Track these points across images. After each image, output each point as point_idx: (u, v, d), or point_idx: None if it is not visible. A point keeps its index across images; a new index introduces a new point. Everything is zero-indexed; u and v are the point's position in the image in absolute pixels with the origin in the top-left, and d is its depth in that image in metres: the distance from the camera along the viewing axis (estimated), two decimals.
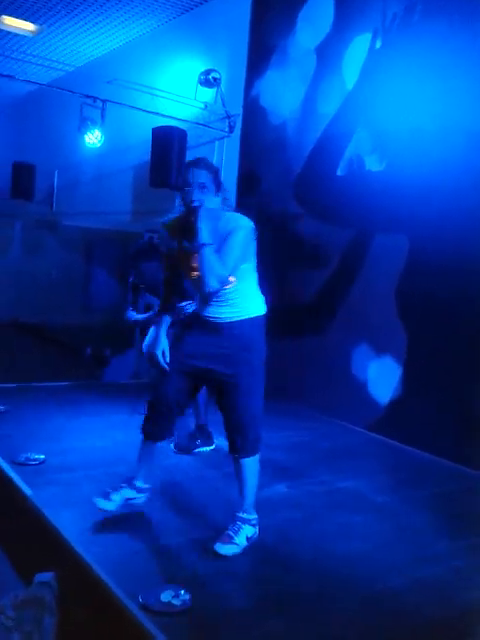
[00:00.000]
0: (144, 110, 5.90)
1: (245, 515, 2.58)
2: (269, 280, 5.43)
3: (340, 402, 4.93)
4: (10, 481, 2.96)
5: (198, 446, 3.85)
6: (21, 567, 2.72)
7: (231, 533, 2.50)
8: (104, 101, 5.61)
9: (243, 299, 2.57)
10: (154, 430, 2.68)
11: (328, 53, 5.08)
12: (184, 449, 3.78)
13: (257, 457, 2.61)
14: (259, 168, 5.72)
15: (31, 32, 7.84)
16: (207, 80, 6.00)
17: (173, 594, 2.04)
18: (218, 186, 2.55)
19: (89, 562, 2.24)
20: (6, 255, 10.69)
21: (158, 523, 2.72)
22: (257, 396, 2.57)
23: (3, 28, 7.73)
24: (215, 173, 2.57)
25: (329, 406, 4.95)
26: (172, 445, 3.71)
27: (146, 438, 2.72)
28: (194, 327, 2.65)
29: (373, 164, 4.67)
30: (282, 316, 5.40)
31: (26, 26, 7.66)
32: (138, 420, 2.77)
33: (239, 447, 2.57)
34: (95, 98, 5.58)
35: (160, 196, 6.93)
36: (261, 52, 5.78)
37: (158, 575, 2.23)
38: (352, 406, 4.78)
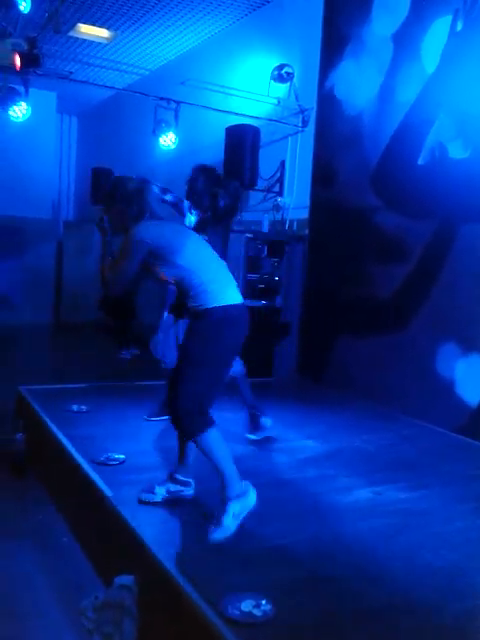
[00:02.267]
0: (217, 109, 5.88)
1: (225, 492, 2.52)
2: (346, 274, 5.36)
3: (423, 402, 4.72)
4: (91, 481, 2.97)
5: (263, 421, 3.85)
6: (102, 568, 2.73)
7: (217, 517, 2.47)
8: (178, 102, 5.63)
9: (197, 292, 2.62)
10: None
11: (406, 39, 4.87)
12: (257, 430, 3.81)
13: (207, 435, 2.56)
14: (334, 161, 5.58)
15: (106, 39, 8.02)
16: (280, 75, 5.91)
17: (254, 603, 1.96)
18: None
19: (168, 567, 2.20)
20: (88, 259, 11.03)
21: (239, 527, 2.64)
22: (185, 382, 2.57)
23: (80, 36, 7.94)
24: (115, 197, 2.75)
25: (411, 406, 4.74)
26: (247, 435, 3.75)
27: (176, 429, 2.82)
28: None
29: (457, 151, 4.44)
30: (360, 312, 5.26)
31: (101, 33, 7.84)
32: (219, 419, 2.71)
33: (178, 431, 2.71)
34: (169, 100, 5.61)
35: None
36: (335, 43, 5.63)
37: (240, 582, 2.15)
38: (437, 407, 4.56)
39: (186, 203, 3.83)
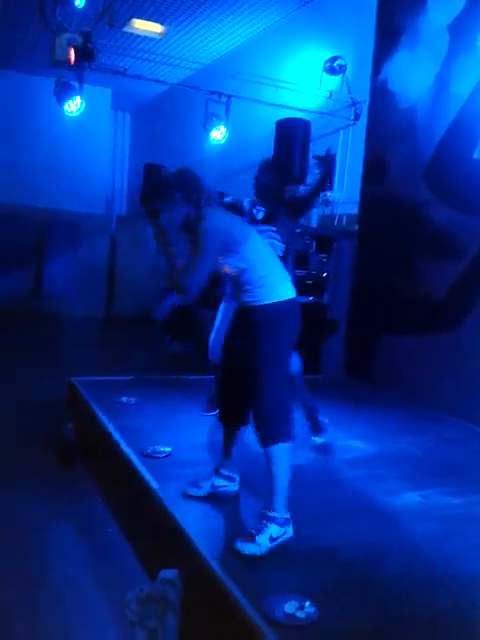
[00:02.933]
0: (267, 103, 5.83)
1: (270, 513, 2.40)
2: (397, 271, 5.24)
3: (474, 405, 4.57)
4: (137, 473, 3.00)
5: (323, 421, 3.75)
6: (146, 561, 2.76)
7: (254, 531, 2.34)
8: (228, 96, 5.61)
9: (253, 288, 2.55)
10: (225, 417, 2.82)
11: (463, 29, 4.72)
12: (319, 431, 3.70)
13: (283, 446, 2.44)
14: (386, 155, 5.46)
15: (159, 34, 8.07)
16: (332, 68, 5.83)
17: (298, 605, 1.94)
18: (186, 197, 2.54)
19: (211, 563, 2.19)
20: (140, 253, 11.18)
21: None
22: (267, 381, 2.47)
23: (133, 31, 8.01)
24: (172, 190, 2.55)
25: (461, 408, 4.60)
26: (311, 438, 3.65)
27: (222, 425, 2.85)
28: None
29: None
30: (410, 311, 5.15)
31: (154, 28, 7.89)
32: None
33: (258, 434, 2.50)
34: (220, 94, 5.59)
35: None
36: (389, 34, 5.50)
37: (284, 583, 2.13)
38: None
39: (246, 202, 3.84)
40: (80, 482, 3.74)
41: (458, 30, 4.74)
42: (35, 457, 4.09)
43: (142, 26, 7.84)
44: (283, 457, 2.45)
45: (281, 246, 3.67)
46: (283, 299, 2.56)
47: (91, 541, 3.17)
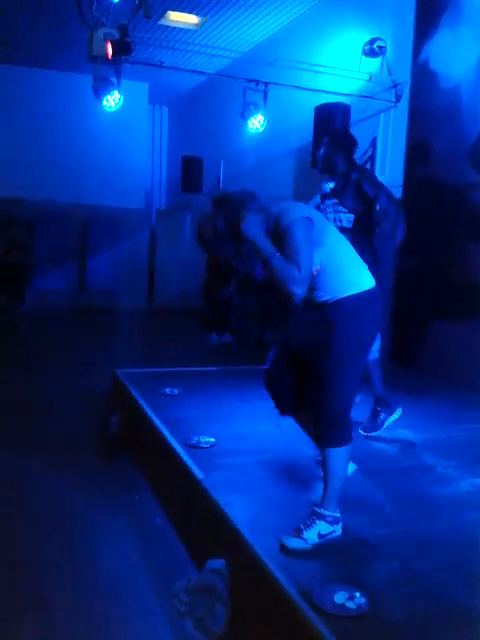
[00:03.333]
0: (305, 88, 5.74)
1: (320, 510, 2.35)
2: (442, 255, 5.11)
3: None
4: (183, 464, 3.01)
5: (383, 419, 3.67)
6: (194, 551, 2.76)
7: (302, 526, 2.30)
8: (266, 83, 5.54)
9: (327, 281, 2.36)
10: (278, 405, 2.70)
11: None
12: (372, 428, 3.65)
13: (341, 450, 2.37)
14: (430, 137, 5.32)
15: (195, 25, 8.03)
16: (372, 50, 5.69)
17: (348, 596, 1.90)
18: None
19: (260, 553, 2.18)
20: (179, 246, 11.25)
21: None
22: (336, 383, 2.33)
23: (169, 24, 8.00)
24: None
25: None
26: (360, 429, 3.59)
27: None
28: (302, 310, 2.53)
29: None
30: (457, 296, 5.01)
31: (190, 19, 7.85)
32: None
33: (316, 434, 2.45)
34: (257, 81, 5.53)
35: (322, 178, 6.75)
36: (430, 12, 5.35)
37: (333, 573, 2.10)
38: None
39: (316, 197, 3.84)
40: (127, 474, 3.78)
41: None
42: (84, 450, 4.15)
43: (178, 18, 7.82)
44: (340, 458, 2.39)
45: (349, 217, 3.66)
46: (361, 290, 2.37)
47: (140, 531, 3.18)
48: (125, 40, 4.20)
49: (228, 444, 3.33)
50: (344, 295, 2.35)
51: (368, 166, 6.18)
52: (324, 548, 2.27)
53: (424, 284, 5.39)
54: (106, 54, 4.17)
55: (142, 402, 3.93)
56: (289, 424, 2.79)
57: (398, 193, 5.75)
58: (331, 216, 3.79)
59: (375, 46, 5.66)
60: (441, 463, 3.23)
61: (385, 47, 5.73)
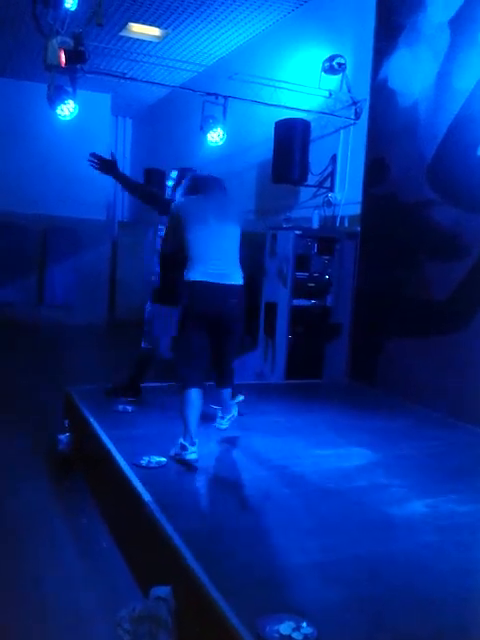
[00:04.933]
0: (265, 103, 5.73)
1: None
2: (400, 272, 5.12)
3: None
4: (130, 485, 2.89)
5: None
6: (140, 576, 2.65)
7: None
8: (226, 97, 5.51)
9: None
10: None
11: (464, 24, 4.60)
12: None
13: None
14: (388, 154, 5.35)
15: (157, 37, 7.99)
16: (331, 67, 5.73)
17: (294, 626, 1.82)
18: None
19: (203, 580, 2.08)
20: (142, 257, 11.10)
21: (278, 538, 2.50)
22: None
23: (131, 35, 7.94)
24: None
25: (470, 413, 4.47)
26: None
27: None
28: None
29: None
30: (416, 313, 5.03)
31: (152, 31, 7.81)
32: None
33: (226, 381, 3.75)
34: (217, 95, 5.50)
35: (283, 192, 6.75)
36: (389, 32, 5.40)
37: (277, 601, 2.01)
38: None
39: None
40: (77, 494, 3.64)
41: (459, 25, 4.63)
42: (34, 468, 4.00)
43: (139, 30, 7.77)
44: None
45: None
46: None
47: (86, 554, 3.07)
48: (79, 48, 4.11)
49: (179, 465, 3.22)
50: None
51: (328, 183, 6.21)
52: (273, 574, 2.18)
53: (383, 300, 5.40)
54: (60, 62, 4.08)
55: (91, 419, 3.80)
56: None
57: (357, 210, 5.78)
58: None
59: (334, 63, 5.70)
60: (395, 483, 3.18)
61: (345, 64, 5.77)
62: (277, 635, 1.78)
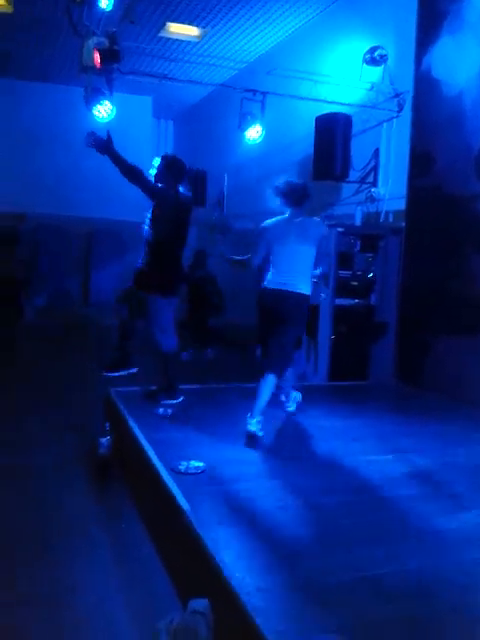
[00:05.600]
0: (305, 98, 5.61)
1: None
2: (447, 267, 4.93)
3: None
4: (169, 492, 2.83)
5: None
6: (180, 586, 2.58)
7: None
8: (264, 93, 5.41)
9: None
10: None
11: None
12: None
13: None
14: (433, 146, 5.16)
15: (196, 37, 7.95)
16: (373, 58, 5.56)
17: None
18: None
19: (241, 596, 1.99)
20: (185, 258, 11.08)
21: (322, 549, 2.39)
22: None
23: (170, 36, 7.91)
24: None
25: None
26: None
27: None
28: None
29: None
30: (464, 310, 4.82)
31: (191, 31, 7.77)
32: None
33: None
34: (255, 91, 5.40)
35: (325, 189, 6.60)
36: (432, 20, 5.21)
37: (321, 619, 1.90)
38: None
39: None
40: (116, 498, 3.61)
41: None
42: (75, 471, 3.99)
43: (178, 30, 7.74)
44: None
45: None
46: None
47: (124, 561, 3.02)
48: (113, 48, 4.08)
49: (218, 470, 3.15)
50: None
51: (370, 178, 6.04)
52: (315, 588, 2.08)
53: (429, 298, 5.21)
54: (95, 63, 4.06)
55: (131, 422, 3.76)
56: None
57: (401, 205, 5.59)
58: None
59: (376, 55, 5.53)
60: (445, 492, 3.03)
61: (386, 55, 5.59)
62: None
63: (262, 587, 2.07)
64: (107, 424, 4.13)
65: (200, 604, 2.27)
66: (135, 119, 11.25)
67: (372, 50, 5.60)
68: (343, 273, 5.59)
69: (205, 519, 2.54)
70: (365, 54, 5.67)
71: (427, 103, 5.23)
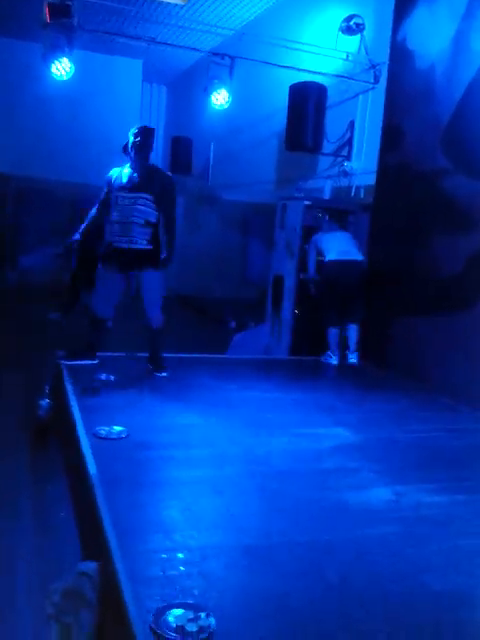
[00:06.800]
0: (277, 65, 5.46)
1: None
2: (411, 247, 4.83)
3: None
4: (82, 455, 2.80)
5: None
6: (84, 550, 2.55)
7: None
8: (232, 57, 5.26)
9: None
10: None
11: None
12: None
13: None
14: (404, 120, 5.02)
15: (181, 0, 7.72)
16: (349, 27, 5.40)
17: (191, 617, 1.68)
18: None
19: (115, 560, 1.96)
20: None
21: (215, 519, 2.36)
22: None
23: None
24: None
25: (474, 397, 4.21)
26: None
27: None
28: None
29: None
30: (424, 289, 4.75)
31: None
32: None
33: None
34: (223, 55, 5.25)
35: (304, 162, 6.48)
36: None
37: (185, 590, 1.86)
38: None
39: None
40: (50, 462, 3.58)
41: None
42: (14, 434, 3.96)
43: None
44: None
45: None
46: None
47: (44, 526, 3.00)
48: (65, 3, 3.94)
49: (142, 436, 3.11)
50: None
51: (345, 151, 5.92)
52: (193, 558, 2.04)
53: (393, 278, 5.12)
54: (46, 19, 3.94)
55: (68, 385, 3.73)
56: None
57: (371, 179, 5.48)
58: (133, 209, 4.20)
59: (352, 23, 5.37)
60: (367, 466, 2.99)
61: (363, 24, 5.43)
62: (166, 626, 1.65)
63: (139, 554, 2.04)
64: (47, 386, 4.09)
65: (88, 566, 2.25)
66: (124, 82, 11.05)
67: (348, 18, 5.44)
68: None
69: (111, 482, 2.50)
70: (342, 22, 5.50)
71: (401, 75, 5.09)
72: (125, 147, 4.38)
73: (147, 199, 4.18)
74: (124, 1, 7.87)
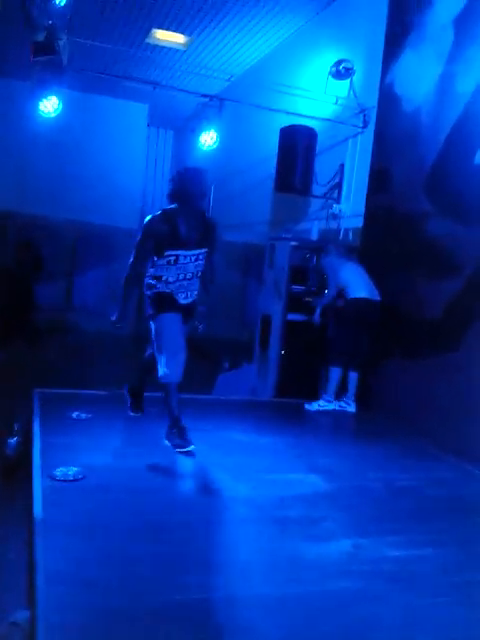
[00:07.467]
0: (267, 108, 5.51)
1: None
2: (396, 289, 4.76)
3: (475, 440, 4.03)
4: (32, 497, 2.69)
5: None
6: (28, 594, 2.43)
7: None
8: (221, 99, 5.32)
9: None
10: None
11: (467, 23, 4.27)
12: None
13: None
14: (391, 163, 5.02)
15: (182, 45, 7.91)
16: (338, 71, 5.46)
17: None
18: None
19: (38, 614, 1.85)
20: None
21: (154, 571, 2.23)
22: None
23: (157, 43, 7.88)
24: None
25: (461, 443, 4.06)
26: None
27: None
28: None
29: None
30: (410, 332, 4.66)
31: (176, 38, 7.73)
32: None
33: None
34: (211, 97, 5.31)
35: (297, 204, 6.49)
36: (398, 32, 5.09)
37: None
38: None
39: None
40: (12, 501, 3.47)
41: (463, 23, 4.30)
42: None
43: (164, 37, 7.71)
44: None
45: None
46: None
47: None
48: (49, 42, 4.00)
49: (99, 479, 2.99)
50: None
51: (335, 194, 5.92)
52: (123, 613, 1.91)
53: (381, 319, 5.02)
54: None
55: (35, 424, 3.64)
56: None
57: (359, 222, 5.46)
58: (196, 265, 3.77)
59: (341, 68, 5.43)
60: (332, 516, 2.86)
61: (352, 69, 5.48)
62: None
63: (66, 606, 1.92)
64: (17, 425, 4.00)
65: (21, 615, 2.13)
66: (130, 125, 11.26)
67: (338, 63, 5.50)
68: (296, 288, 5.45)
69: (51, 526, 2.40)
70: (331, 67, 5.56)
71: (389, 119, 5.11)
72: (175, 194, 3.61)
73: (204, 253, 3.76)
74: (127, 44, 8.06)
